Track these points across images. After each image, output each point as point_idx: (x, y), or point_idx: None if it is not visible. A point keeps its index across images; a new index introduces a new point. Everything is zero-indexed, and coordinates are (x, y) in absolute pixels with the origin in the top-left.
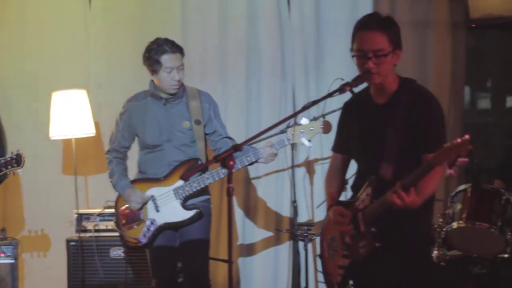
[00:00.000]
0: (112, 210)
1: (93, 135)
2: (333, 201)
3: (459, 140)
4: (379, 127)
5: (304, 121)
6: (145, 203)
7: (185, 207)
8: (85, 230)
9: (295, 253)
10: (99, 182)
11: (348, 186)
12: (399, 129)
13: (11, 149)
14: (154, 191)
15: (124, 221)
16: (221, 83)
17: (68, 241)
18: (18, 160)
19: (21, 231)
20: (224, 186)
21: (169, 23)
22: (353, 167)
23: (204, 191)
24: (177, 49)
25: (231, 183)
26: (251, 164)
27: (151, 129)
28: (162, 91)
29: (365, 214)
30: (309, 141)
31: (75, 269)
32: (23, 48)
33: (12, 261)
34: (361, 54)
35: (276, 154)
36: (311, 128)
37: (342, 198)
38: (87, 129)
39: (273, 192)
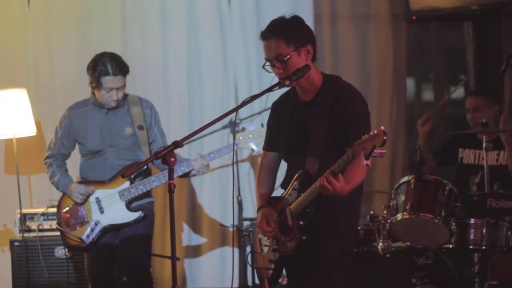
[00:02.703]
0: (56, 209)
1: (34, 134)
2: (263, 202)
3: (375, 131)
4: (305, 123)
5: (252, 127)
6: (88, 196)
7: (130, 209)
8: (29, 230)
9: (241, 248)
10: (42, 182)
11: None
12: (324, 125)
13: None
14: (99, 193)
15: (67, 222)
16: (163, 79)
17: (12, 241)
18: None
19: None
20: None
21: (110, 20)
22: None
23: (148, 194)
24: (119, 71)
25: (172, 180)
26: (184, 175)
27: (93, 136)
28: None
29: (292, 208)
30: (257, 146)
31: (19, 270)
32: None
33: None
34: (269, 63)
35: (208, 165)
36: (259, 134)
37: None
38: (28, 128)
39: (218, 188)
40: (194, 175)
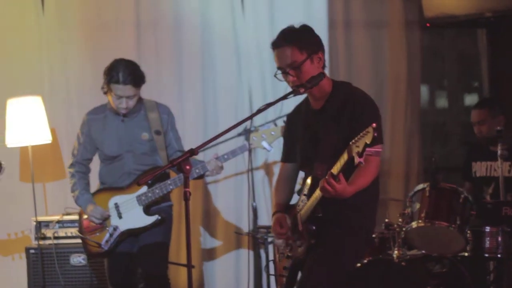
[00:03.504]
0: (72, 217)
1: (49, 141)
2: (278, 209)
3: (367, 129)
4: (316, 131)
5: (266, 126)
6: (105, 219)
7: (147, 213)
8: (45, 238)
9: (256, 256)
10: (58, 189)
11: None
12: (332, 130)
13: None
14: (117, 199)
15: (87, 229)
16: (177, 87)
17: (27, 249)
18: None
19: None
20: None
21: (123, 27)
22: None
23: (166, 198)
24: (130, 81)
25: (188, 188)
26: (199, 177)
27: (111, 142)
28: None
29: (302, 213)
30: (270, 145)
31: (35, 277)
32: None
33: None
34: (281, 71)
35: (222, 167)
36: (272, 133)
37: None
38: (43, 136)
39: (232, 196)
40: (208, 175)
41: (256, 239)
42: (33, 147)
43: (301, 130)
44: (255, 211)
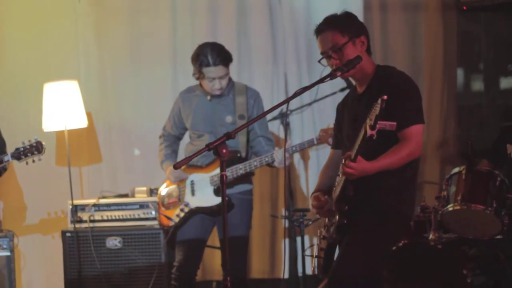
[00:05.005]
0: (107, 200)
1: (85, 126)
2: (317, 189)
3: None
4: (356, 114)
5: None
6: (182, 180)
7: (217, 193)
8: (81, 221)
9: (291, 239)
10: (93, 173)
11: None
12: (368, 112)
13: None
14: (194, 176)
15: (164, 202)
16: None
17: (63, 232)
18: (38, 147)
19: (16, 222)
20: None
21: (159, 13)
22: None
23: (245, 180)
24: (220, 61)
25: (224, 171)
26: (268, 165)
27: (196, 120)
28: None
29: (334, 193)
30: None
31: (71, 260)
32: (13, 41)
33: (8, 253)
34: (325, 56)
35: (289, 158)
36: None
37: None
38: (79, 120)
39: (268, 179)
40: (275, 166)
41: (291, 222)
42: (69, 131)
43: (346, 115)
44: (291, 194)
